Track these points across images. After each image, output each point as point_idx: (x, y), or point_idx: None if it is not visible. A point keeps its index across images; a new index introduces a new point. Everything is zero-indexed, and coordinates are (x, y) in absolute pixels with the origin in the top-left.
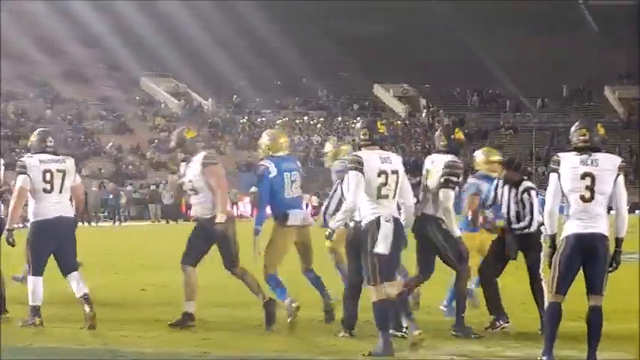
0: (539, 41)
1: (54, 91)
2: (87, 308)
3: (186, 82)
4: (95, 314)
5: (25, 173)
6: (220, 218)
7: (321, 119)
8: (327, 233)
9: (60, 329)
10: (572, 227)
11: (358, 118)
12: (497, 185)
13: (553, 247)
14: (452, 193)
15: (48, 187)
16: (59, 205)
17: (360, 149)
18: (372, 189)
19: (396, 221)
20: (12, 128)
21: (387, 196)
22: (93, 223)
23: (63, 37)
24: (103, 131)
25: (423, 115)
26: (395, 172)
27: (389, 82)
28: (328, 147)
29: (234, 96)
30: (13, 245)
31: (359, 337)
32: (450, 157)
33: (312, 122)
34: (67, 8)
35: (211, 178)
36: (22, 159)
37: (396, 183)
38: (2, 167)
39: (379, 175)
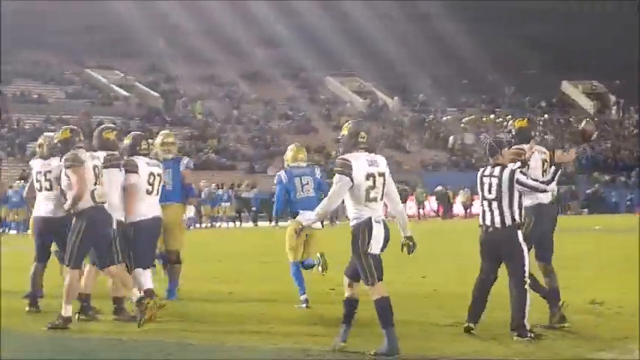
0: None
1: (240, 91)
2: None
3: (371, 81)
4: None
5: (136, 172)
6: (66, 205)
7: (508, 117)
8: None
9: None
10: None
11: (546, 116)
12: None
13: None
14: None
15: (150, 188)
16: (155, 207)
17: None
18: (361, 192)
19: (384, 223)
20: (200, 128)
21: (375, 199)
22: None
23: (249, 39)
24: (289, 131)
25: (613, 111)
26: (382, 174)
27: (577, 78)
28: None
29: (420, 94)
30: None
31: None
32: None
33: (498, 120)
34: (251, 10)
35: (72, 178)
36: (132, 158)
37: (383, 185)
38: (192, 166)
39: (367, 179)
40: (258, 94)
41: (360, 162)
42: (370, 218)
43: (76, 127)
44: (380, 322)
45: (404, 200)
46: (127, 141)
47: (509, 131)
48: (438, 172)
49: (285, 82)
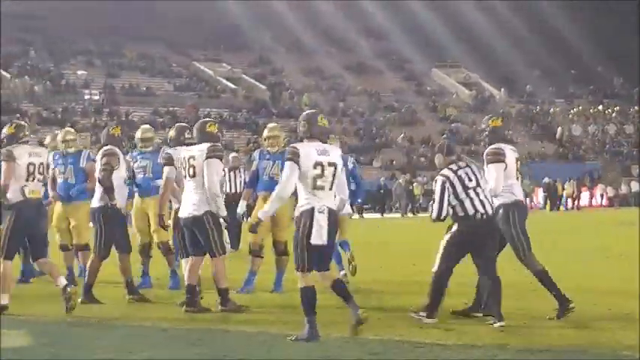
0: None
1: (345, 83)
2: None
3: (477, 72)
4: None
5: (171, 164)
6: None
7: (616, 108)
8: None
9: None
10: None
11: None
12: None
13: None
14: None
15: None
16: None
17: (301, 141)
18: (308, 180)
19: (330, 212)
20: None
21: (322, 188)
22: (386, 214)
23: (354, 31)
24: (395, 122)
25: None
26: (332, 164)
27: None
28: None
29: (527, 85)
30: (165, 228)
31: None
32: None
33: (607, 111)
34: (356, 2)
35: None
36: (167, 151)
37: (333, 175)
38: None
39: (315, 167)
40: (364, 86)
41: (309, 150)
42: (313, 208)
43: (22, 123)
44: (303, 308)
45: None
46: (171, 132)
47: (484, 130)
48: (545, 164)
49: (391, 74)
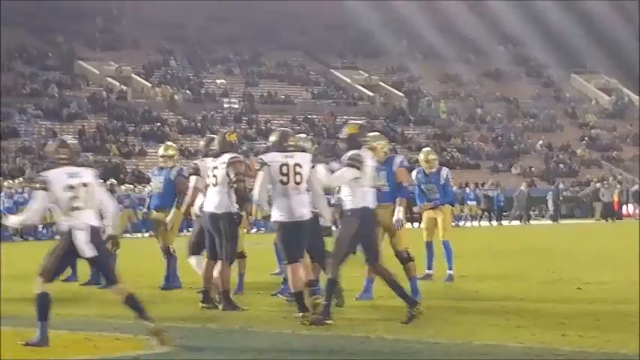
0: None
1: (483, 90)
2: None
3: (617, 77)
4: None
5: (197, 174)
6: None
7: None
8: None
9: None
10: None
11: None
12: None
13: None
14: None
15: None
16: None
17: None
18: (63, 204)
19: (92, 228)
20: (443, 127)
21: (78, 208)
22: (524, 222)
23: (491, 37)
24: (533, 129)
25: None
26: (86, 184)
27: None
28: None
29: None
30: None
31: None
32: None
33: None
34: (492, 8)
35: None
36: (195, 162)
37: (89, 193)
38: (406, 164)
39: (66, 190)
40: (502, 92)
41: (58, 176)
42: (70, 229)
43: None
44: (37, 313)
45: None
46: (201, 143)
47: (342, 137)
48: None
49: (529, 80)
